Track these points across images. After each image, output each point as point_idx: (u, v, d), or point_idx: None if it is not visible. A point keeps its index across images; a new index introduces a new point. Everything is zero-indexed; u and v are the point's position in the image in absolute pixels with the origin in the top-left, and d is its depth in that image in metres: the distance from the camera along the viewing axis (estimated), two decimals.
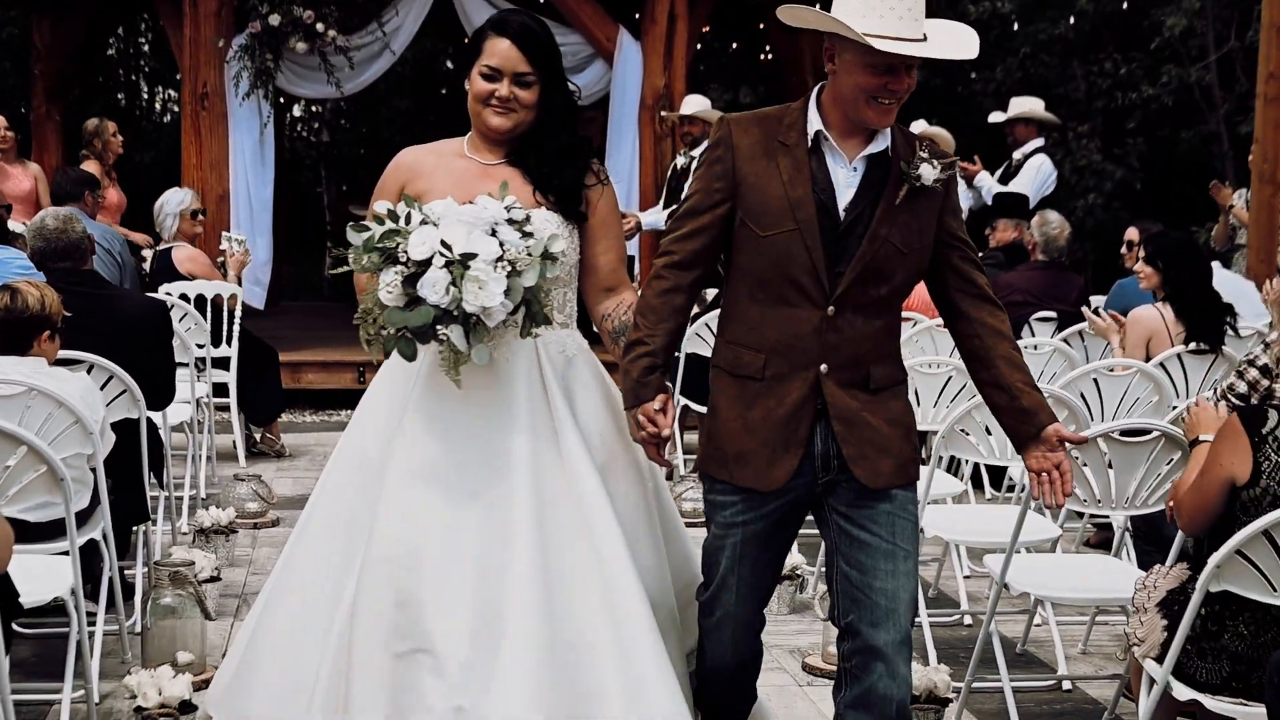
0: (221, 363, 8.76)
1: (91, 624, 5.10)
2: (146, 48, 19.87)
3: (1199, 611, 3.86)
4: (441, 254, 3.65)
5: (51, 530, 4.88)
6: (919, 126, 11.04)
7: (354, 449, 4.13)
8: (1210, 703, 3.91)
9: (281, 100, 12.08)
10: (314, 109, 18.11)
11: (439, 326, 3.69)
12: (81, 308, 5.50)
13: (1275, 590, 3.77)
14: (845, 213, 3.69)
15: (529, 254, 3.72)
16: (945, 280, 3.86)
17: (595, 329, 4.24)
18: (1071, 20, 13.65)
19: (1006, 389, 3.77)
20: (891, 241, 3.69)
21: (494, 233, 3.74)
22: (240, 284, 8.98)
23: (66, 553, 4.73)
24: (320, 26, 10.89)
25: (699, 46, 12.58)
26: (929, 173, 3.69)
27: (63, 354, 5.35)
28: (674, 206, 10.31)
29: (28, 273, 6.04)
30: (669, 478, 7.21)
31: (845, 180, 3.72)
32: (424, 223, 3.71)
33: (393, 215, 3.74)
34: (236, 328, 8.74)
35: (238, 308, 8.74)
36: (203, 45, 11.03)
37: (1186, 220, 12.88)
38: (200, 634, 5.36)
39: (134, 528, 5.96)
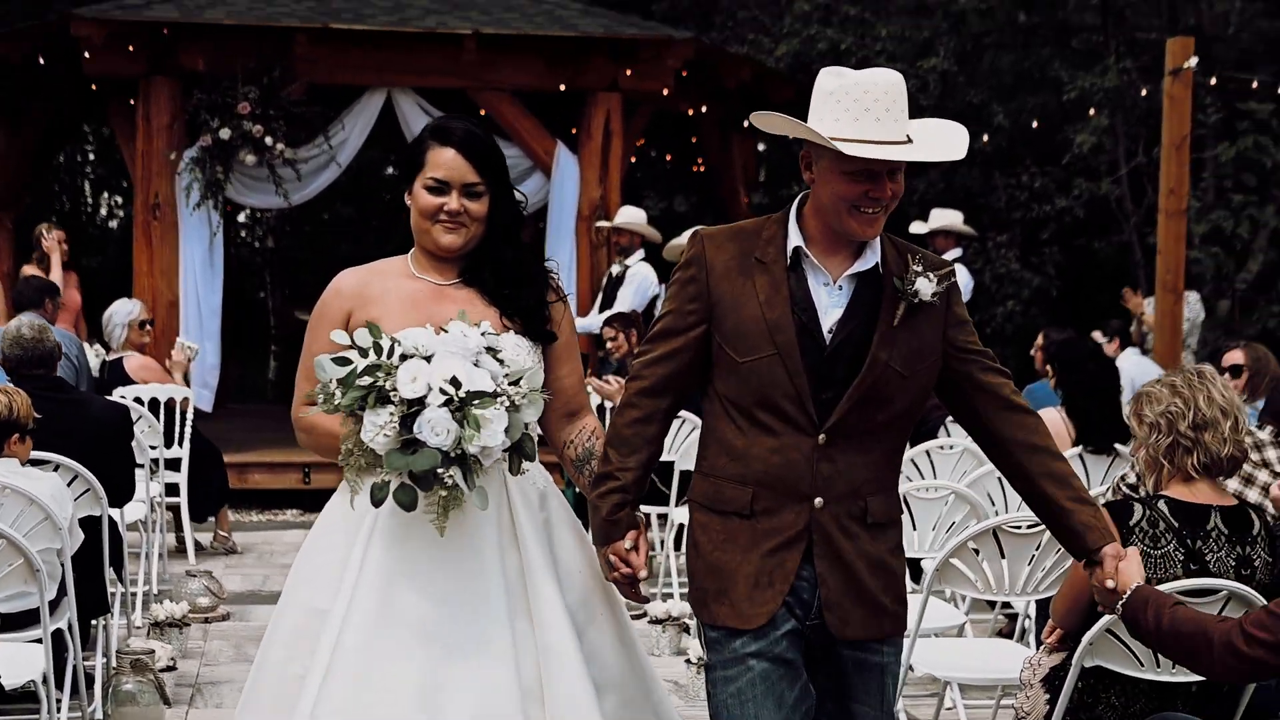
0: (172, 463, 9.08)
1: (57, 710, 5.41)
2: (92, 155, 20.26)
3: (1076, 685, 4.26)
4: (443, 391, 3.39)
5: (22, 620, 5.21)
6: (936, 215, 11.49)
7: (302, 606, 3.72)
8: None
9: (229, 208, 12.44)
10: (258, 215, 18.52)
11: (441, 470, 3.42)
12: (51, 412, 5.86)
13: (1141, 665, 4.18)
14: (830, 335, 3.49)
15: (522, 385, 3.50)
16: (966, 397, 3.64)
17: (557, 456, 3.99)
18: (985, 137, 14.29)
19: (1053, 508, 3.60)
20: (892, 366, 3.48)
21: (477, 365, 3.50)
22: (189, 385, 9.33)
23: (38, 640, 5.06)
24: (269, 140, 11.27)
25: (633, 159, 13.07)
26: (926, 287, 3.50)
27: (33, 455, 5.70)
28: (609, 312, 10.83)
29: None
30: (640, 616, 7.04)
31: (829, 300, 3.52)
32: (407, 356, 3.45)
33: (376, 347, 3.47)
34: (188, 429, 9.07)
35: (189, 410, 9.08)
36: (155, 157, 11.40)
37: (1100, 323, 13.45)
38: (160, 717, 5.69)
39: (94, 620, 6.27)
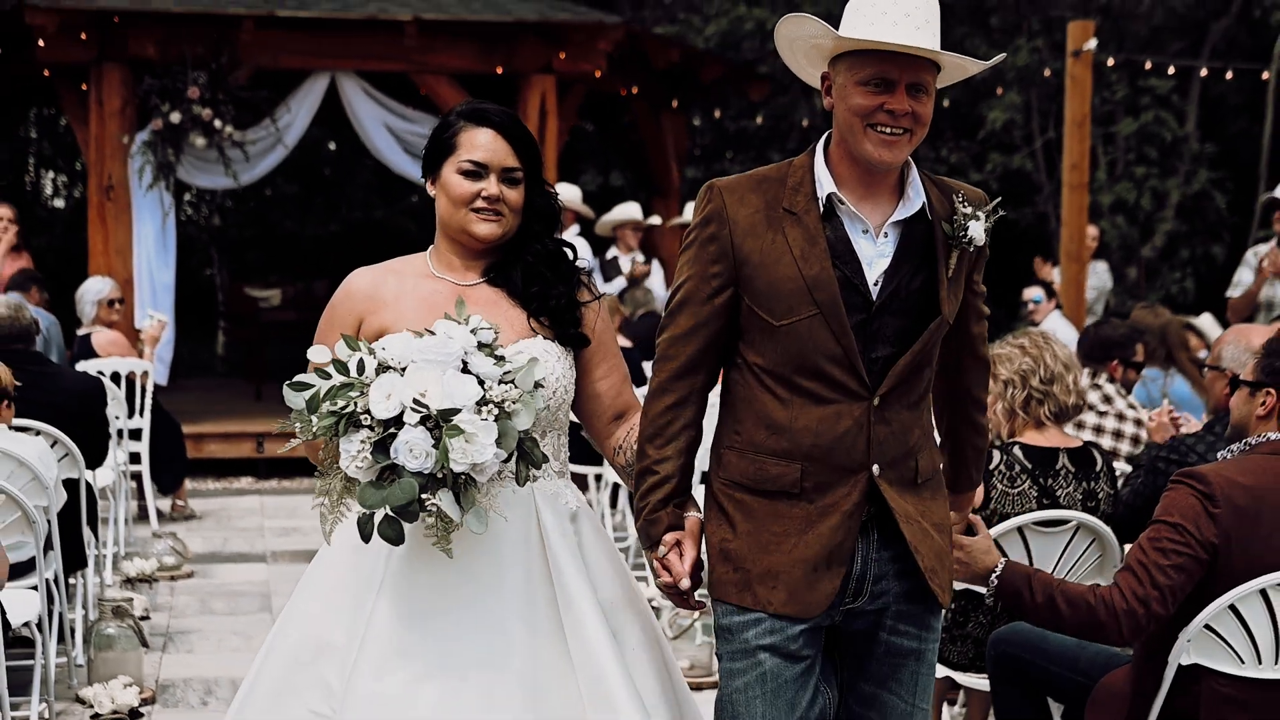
0: (134, 434, 9.58)
1: (42, 653, 5.95)
2: (35, 134, 20.57)
3: (950, 606, 4.89)
4: (415, 409, 3.03)
5: (14, 570, 5.75)
6: None
7: (307, 635, 3.38)
8: (960, 678, 4.96)
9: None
10: (204, 194, 18.93)
11: (425, 496, 3.05)
12: (30, 383, 6.37)
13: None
14: (878, 289, 3.17)
15: (515, 388, 3.13)
16: (951, 336, 3.34)
17: (610, 464, 3.68)
18: None
19: (958, 448, 3.51)
20: (948, 320, 3.22)
21: (465, 367, 3.13)
22: (153, 359, 9.84)
23: (33, 587, 5.60)
24: (218, 123, 11.70)
25: (567, 138, 13.61)
26: (978, 230, 3.18)
27: (15, 422, 6.22)
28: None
29: None
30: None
31: (873, 250, 3.18)
32: (381, 369, 3.11)
33: (340, 365, 3.13)
34: (149, 401, 9.58)
35: (150, 384, 9.59)
36: (108, 141, 11.82)
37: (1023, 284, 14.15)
38: (138, 661, 6.24)
39: (73, 574, 6.81)
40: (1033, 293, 11.19)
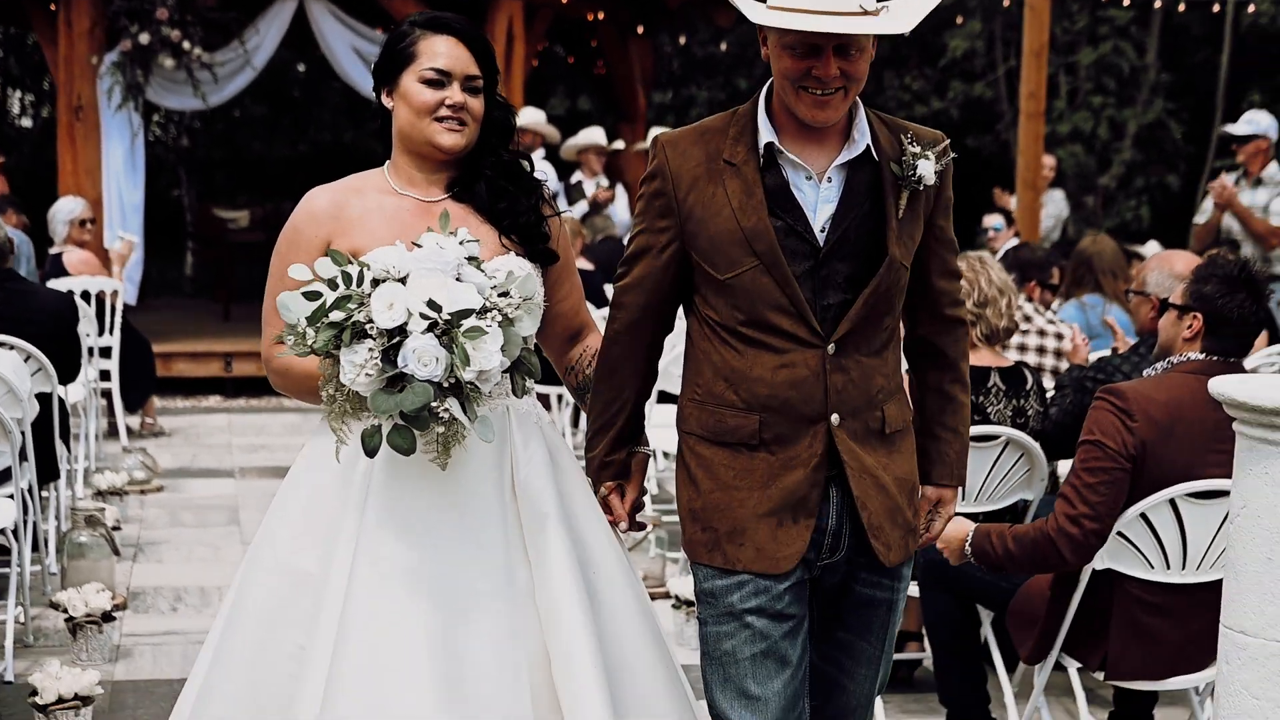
0: (103, 352, 9.74)
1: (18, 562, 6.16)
2: (1, 54, 20.52)
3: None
4: (424, 315, 3.00)
5: None
6: None
7: (284, 566, 3.33)
8: None
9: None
10: (172, 115, 18.94)
11: (434, 404, 3.02)
12: (4, 299, 6.55)
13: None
14: (824, 234, 3.13)
15: (513, 294, 3.12)
16: (920, 295, 3.30)
17: (563, 381, 3.72)
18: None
19: (928, 424, 3.38)
20: (902, 263, 3.16)
21: (459, 279, 3.11)
22: (122, 279, 9.99)
23: (10, 497, 5.80)
24: (186, 45, 11.78)
25: (535, 63, 13.72)
26: (928, 169, 3.13)
27: None
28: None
29: None
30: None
31: (818, 196, 3.14)
32: (379, 281, 3.06)
33: (345, 277, 3.07)
34: (119, 320, 9.73)
35: (119, 303, 9.74)
36: (77, 61, 11.88)
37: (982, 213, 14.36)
38: (110, 570, 6.44)
39: (46, 485, 7.00)
40: (992, 220, 11.37)
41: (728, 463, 3.19)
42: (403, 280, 3.05)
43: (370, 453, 3.09)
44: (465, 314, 3.02)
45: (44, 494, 6.91)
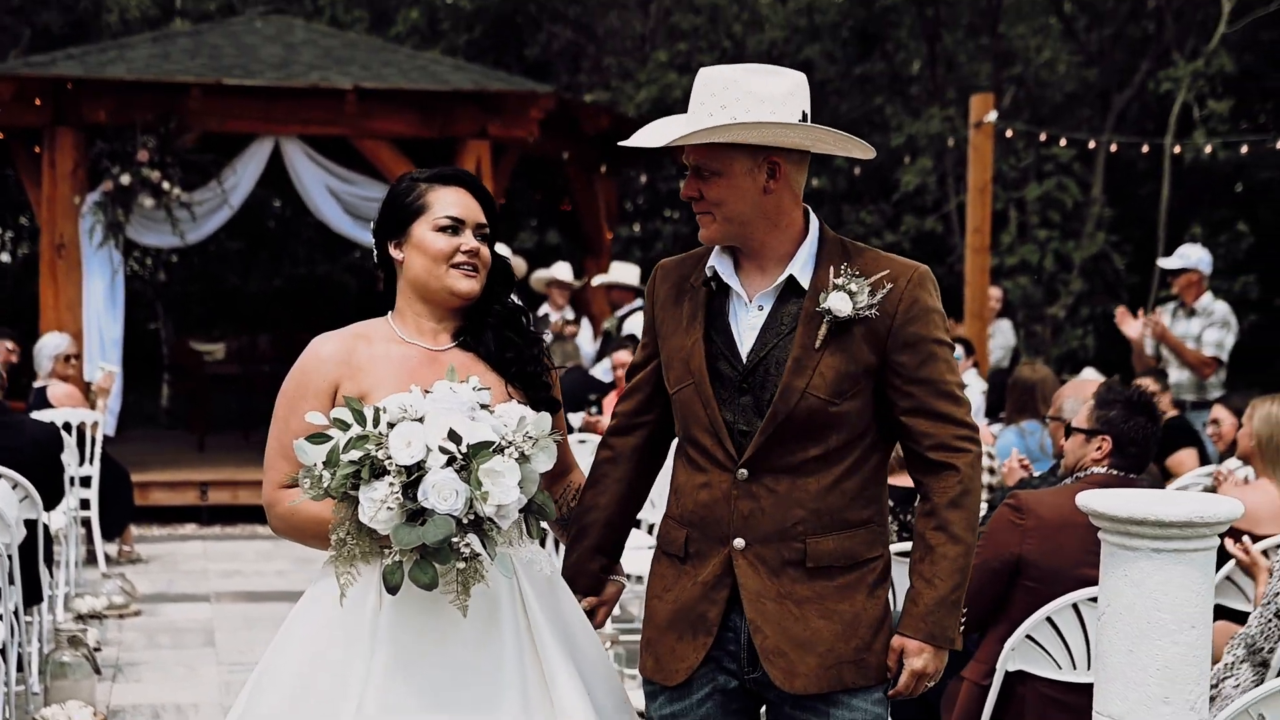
0: (83, 481, 10.07)
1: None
2: None
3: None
4: (444, 449, 3.05)
5: None
6: None
7: (291, 692, 3.30)
8: None
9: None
10: (151, 250, 19.41)
11: (454, 539, 3.06)
12: None
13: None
14: (748, 360, 3.24)
15: (529, 430, 3.18)
16: (898, 434, 3.28)
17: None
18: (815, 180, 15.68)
19: (911, 570, 3.29)
20: (814, 394, 3.17)
21: (473, 420, 3.17)
22: (104, 410, 10.35)
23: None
24: (166, 185, 12.21)
25: (502, 201, 14.21)
26: (841, 304, 3.15)
27: None
28: None
29: None
30: None
31: (748, 321, 3.27)
32: (394, 423, 3.11)
33: (358, 416, 3.12)
34: (98, 450, 10.07)
35: (99, 434, 10.08)
36: (59, 201, 12.30)
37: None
38: (91, 689, 6.74)
39: (30, 608, 7.30)
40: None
41: (662, 572, 3.38)
42: (419, 420, 3.10)
43: (393, 590, 3.09)
44: (484, 446, 3.06)
45: (28, 618, 7.21)
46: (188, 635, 8.43)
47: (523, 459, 3.11)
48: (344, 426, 3.11)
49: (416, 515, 3.04)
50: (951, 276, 16.88)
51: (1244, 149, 14.14)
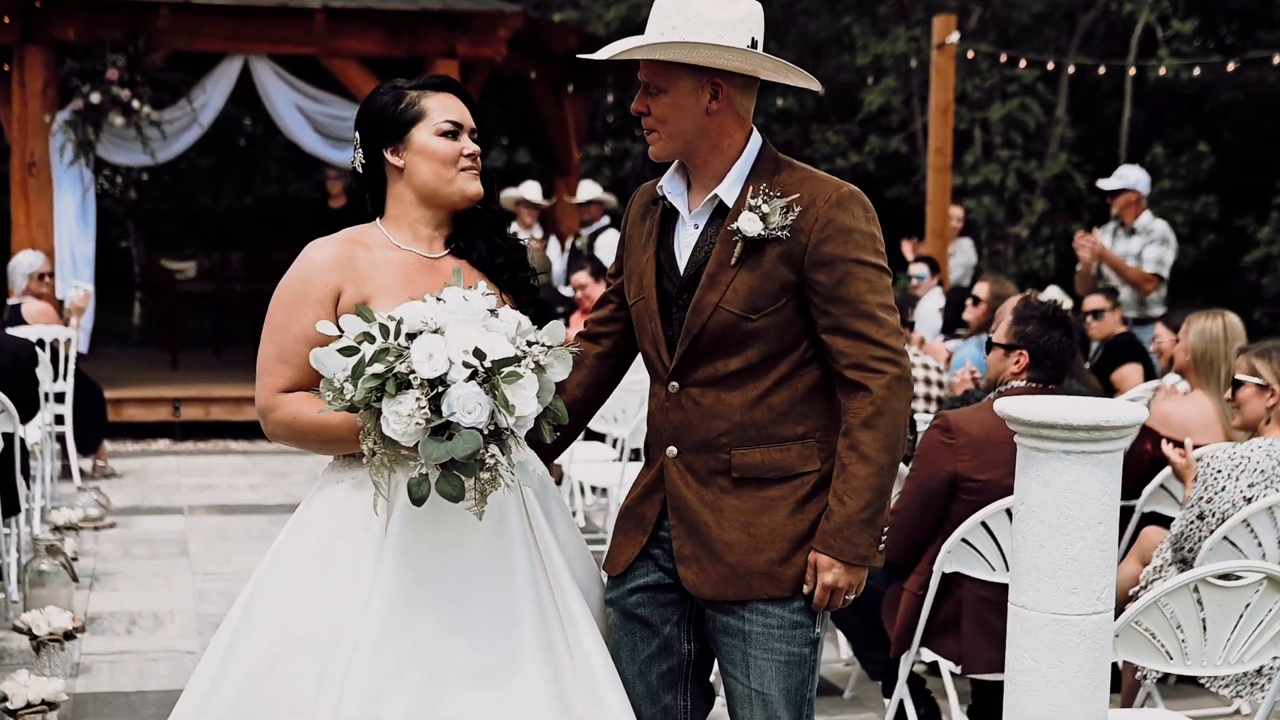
0: (58, 397, 10.24)
1: None
2: None
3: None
4: (467, 364, 3.08)
5: None
6: None
7: (283, 628, 3.32)
8: None
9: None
10: (121, 169, 19.44)
11: (480, 451, 3.09)
12: None
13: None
14: (683, 276, 3.39)
15: (544, 340, 3.22)
16: (823, 352, 3.37)
17: None
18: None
19: (831, 490, 3.34)
20: (726, 309, 3.29)
21: (487, 329, 3.20)
22: (78, 328, 10.50)
23: None
24: (136, 104, 12.30)
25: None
26: (749, 225, 3.28)
27: None
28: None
29: None
30: None
31: (686, 239, 3.41)
32: (413, 334, 3.12)
33: (383, 329, 3.13)
34: (72, 366, 10.24)
35: (72, 350, 10.25)
36: (30, 120, 12.36)
37: (900, 267, 14.98)
38: (69, 597, 6.95)
39: (7, 519, 7.49)
40: (917, 269, 12.03)
41: (638, 476, 3.58)
42: (437, 331, 3.12)
43: (418, 502, 3.11)
44: (506, 362, 3.10)
45: (5, 530, 7.40)
46: (162, 546, 8.64)
47: (538, 369, 3.16)
48: (369, 340, 3.12)
49: (441, 429, 3.07)
50: (916, 196, 17.08)
51: (1195, 71, 14.30)
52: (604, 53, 3.34)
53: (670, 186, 3.46)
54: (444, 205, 3.50)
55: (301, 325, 3.35)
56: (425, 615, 3.27)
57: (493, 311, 3.23)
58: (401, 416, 3.04)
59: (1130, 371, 8.24)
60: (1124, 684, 5.44)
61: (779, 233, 3.27)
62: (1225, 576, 3.94)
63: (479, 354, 3.07)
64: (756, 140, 3.45)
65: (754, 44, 3.34)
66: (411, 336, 3.11)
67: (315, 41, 12.65)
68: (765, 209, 3.28)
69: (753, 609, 3.38)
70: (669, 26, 3.29)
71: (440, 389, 3.05)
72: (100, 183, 13.27)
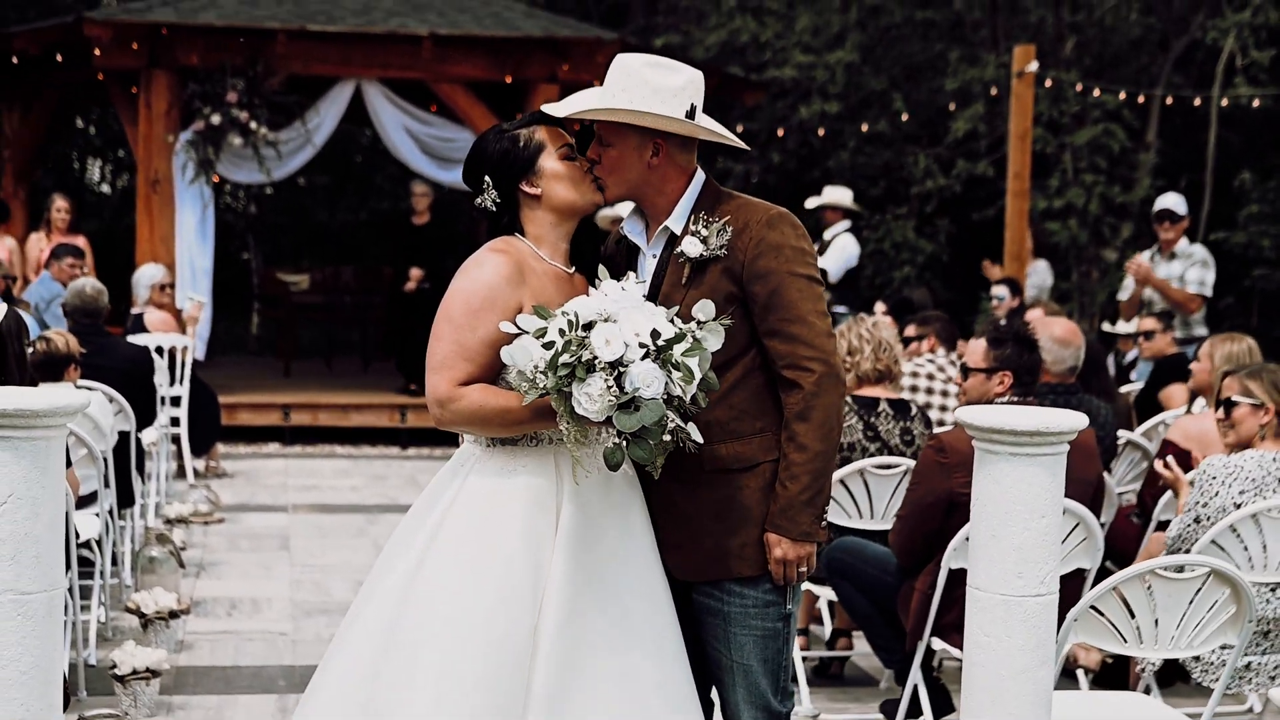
0: (173, 400, 10.96)
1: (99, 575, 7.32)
2: (93, 130, 21.96)
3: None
4: (642, 344, 3.48)
5: (79, 502, 7.13)
6: (828, 192, 13.27)
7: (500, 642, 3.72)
8: (817, 590, 6.29)
9: (217, 180, 14.19)
10: (243, 185, 20.32)
11: (665, 418, 3.51)
12: (93, 350, 7.76)
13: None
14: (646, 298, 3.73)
15: (699, 322, 3.60)
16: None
17: None
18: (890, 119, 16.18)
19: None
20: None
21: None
22: (194, 336, 11.25)
23: (96, 515, 6.98)
24: (254, 125, 13.01)
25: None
26: (691, 247, 3.75)
27: (80, 382, 7.59)
28: None
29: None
30: None
31: (647, 268, 3.89)
32: (588, 325, 3.52)
33: (571, 324, 3.53)
34: (188, 372, 10.96)
35: (189, 358, 10.97)
36: (154, 140, 13.12)
37: (983, 287, 15.30)
38: (176, 583, 7.60)
39: (124, 510, 8.18)
40: (998, 290, 12.42)
41: None
42: (609, 320, 3.52)
43: (614, 467, 3.54)
44: (678, 338, 3.51)
45: (121, 522, 8.08)
46: (265, 540, 9.30)
47: (697, 345, 3.53)
48: (560, 334, 3.52)
49: (626, 404, 3.45)
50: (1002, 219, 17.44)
51: (1255, 102, 14.45)
52: (559, 109, 3.80)
53: (630, 226, 3.96)
54: (579, 213, 3.91)
55: (487, 329, 3.74)
56: (595, 597, 3.77)
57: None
58: (593, 397, 3.45)
59: (1176, 390, 8.61)
60: (1129, 678, 5.86)
61: (718, 251, 3.75)
62: (1178, 569, 4.38)
63: (654, 334, 3.49)
64: (700, 178, 3.91)
65: (692, 109, 3.77)
66: (587, 327, 3.52)
67: (423, 66, 13.28)
68: (704, 232, 3.75)
69: (729, 591, 3.83)
70: (620, 89, 3.73)
71: (620, 369, 3.46)
72: (224, 199, 14.00)
